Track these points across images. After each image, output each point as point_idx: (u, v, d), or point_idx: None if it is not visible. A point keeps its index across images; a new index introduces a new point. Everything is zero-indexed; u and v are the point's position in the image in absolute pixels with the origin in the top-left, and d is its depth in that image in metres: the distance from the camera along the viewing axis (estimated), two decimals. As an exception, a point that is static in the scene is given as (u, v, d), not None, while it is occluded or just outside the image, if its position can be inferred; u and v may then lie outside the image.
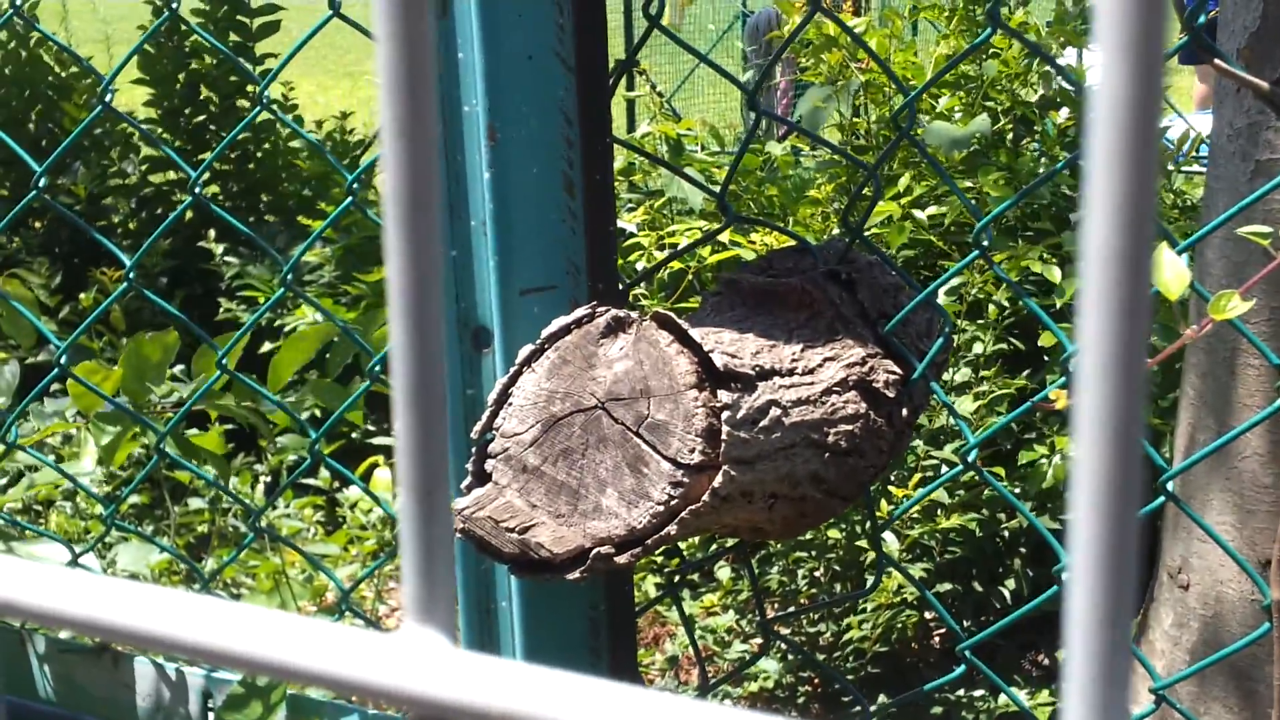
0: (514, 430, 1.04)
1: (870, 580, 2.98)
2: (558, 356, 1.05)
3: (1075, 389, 0.21)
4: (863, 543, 2.92)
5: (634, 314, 1.08)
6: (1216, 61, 1.11)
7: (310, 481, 3.30)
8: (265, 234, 4.81)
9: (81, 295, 4.07)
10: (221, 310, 4.34)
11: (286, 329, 4.15)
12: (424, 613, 0.22)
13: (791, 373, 1.09)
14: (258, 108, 1.43)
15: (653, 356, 1.03)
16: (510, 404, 1.05)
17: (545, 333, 1.07)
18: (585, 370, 1.05)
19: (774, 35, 4.41)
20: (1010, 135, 3.81)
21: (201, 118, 5.08)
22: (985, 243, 1.10)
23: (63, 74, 4.88)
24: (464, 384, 1.17)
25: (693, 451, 1.00)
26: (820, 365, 1.10)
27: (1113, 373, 0.17)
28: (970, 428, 2.62)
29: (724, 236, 3.70)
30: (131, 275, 1.43)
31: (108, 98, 1.52)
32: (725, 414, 1.01)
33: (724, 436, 1.01)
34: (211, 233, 4.44)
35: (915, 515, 2.97)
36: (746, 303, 1.16)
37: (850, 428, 1.09)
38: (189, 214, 4.89)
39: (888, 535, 2.87)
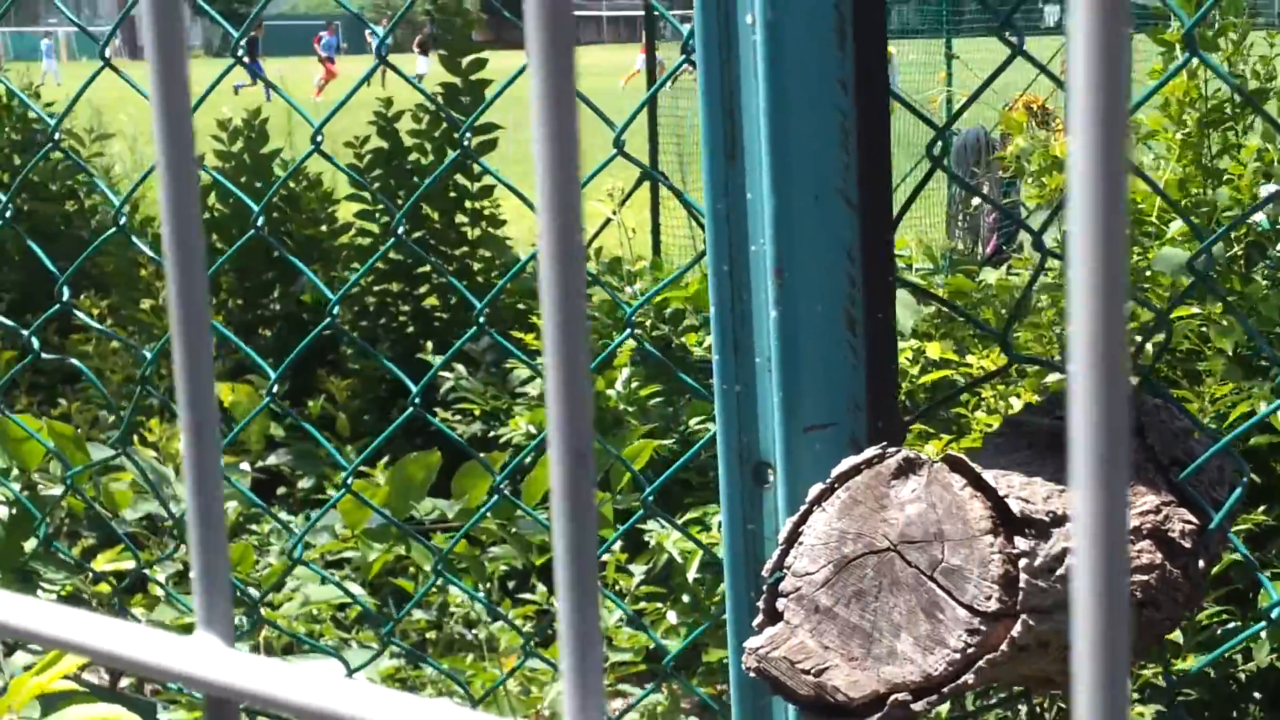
0: (805, 569, 1.04)
1: None
2: (849, 496, 1.05)
3: None
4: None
5: (924, 455, 1.07)
6: None
7: (526, 596, 3.33)
8: (480, 346, 4.92)
9: (309, 402, 4.21)
10: (439, 419, 4.45)
11: (501, 440, 4.22)
12: None
13: (1083, 519, 1.07)
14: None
15: (946, 500, 1.03)
16: (801, 543, 1.05)
17: (835, 472, 1.07)
18: (877, 511, 1.04)
19: (999, 156, 4.39)
20: (1241, 262, 3.71)
21: (420, 233, 5.24)
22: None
23: (294, 187, 5.10)
24: (744, 519, 1.18)
25: (989, 599, 0.99)
26: (1112, 512, 1.08)
27: None
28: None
29: (936, 357, 3.68)
30: (417, 401, 1.48)
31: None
32: (1023, 561, 1.00)
33: (1022, 585, 0.99)
34: (429, 344, 4.56)
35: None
36: (1032, 445, 1.15)
37: (1146, 578, 1.06)
38: (409, 326, 5.04)
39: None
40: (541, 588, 3.32)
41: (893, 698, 0.98)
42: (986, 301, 4.18)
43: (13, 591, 0.40)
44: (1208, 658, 1.23)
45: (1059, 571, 1.02)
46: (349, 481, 1.54)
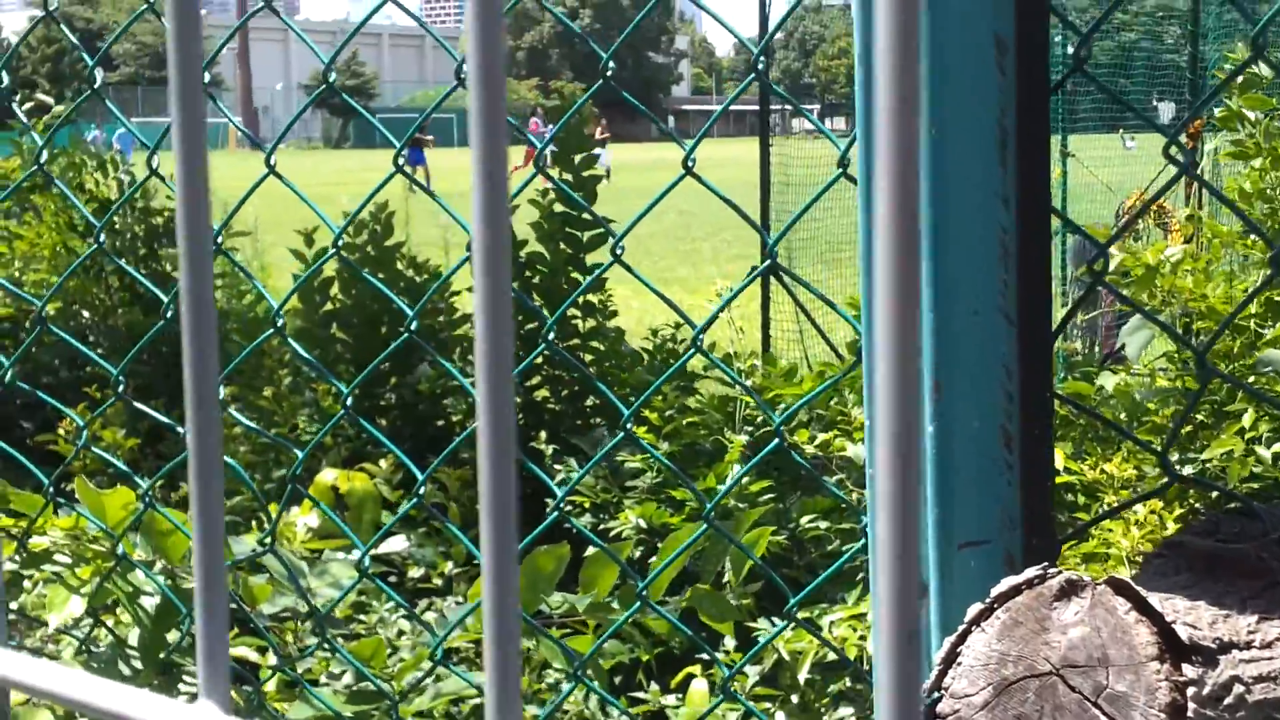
0: (964, 691, 1.03)
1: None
2: (1009, 617, 1.04)
3: None
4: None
5: (1087, 577, 1.06)
6: None
7: (638, 695, 3.31)
8: (591, 439, 4.94)
9: (423, 490, 4.24)
10: (548, 511, 4.46)
11: (611, 533, 4.22)
12: None
13: (1249, 646, 1.04)
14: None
15: (1110, 624, 1.01)
16: (959, 663, 1.04)
17: (995, 592, 1.06)
18: (1038, 634, 1.03)
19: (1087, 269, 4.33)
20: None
21: (533, 325, 5.29)
22: None
23: (416, 279, 5.18)
24: (896, 635, 1.17)
25: (1157, 728, 0.97)
26: (1278, 639, 1.06)
27: None
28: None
29: (1059, 463, 3.62)
30: (562, 506, 1.49)
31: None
32: (1191, 690, 0.98)
33: (1190, 714, 0.97)
34: (543, 434, 4.59)
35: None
36: (1193, 567, 1.12)
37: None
38: (521, 417, 5.07)
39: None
40: (654, 686, 3.30)
41: (1060, 827, 0.96)
42: (1104, 405, 4.12)
43: (155, 685, 0.41)
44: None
45: (1226, 701, 1.00)
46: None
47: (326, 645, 1.77)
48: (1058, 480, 3.43)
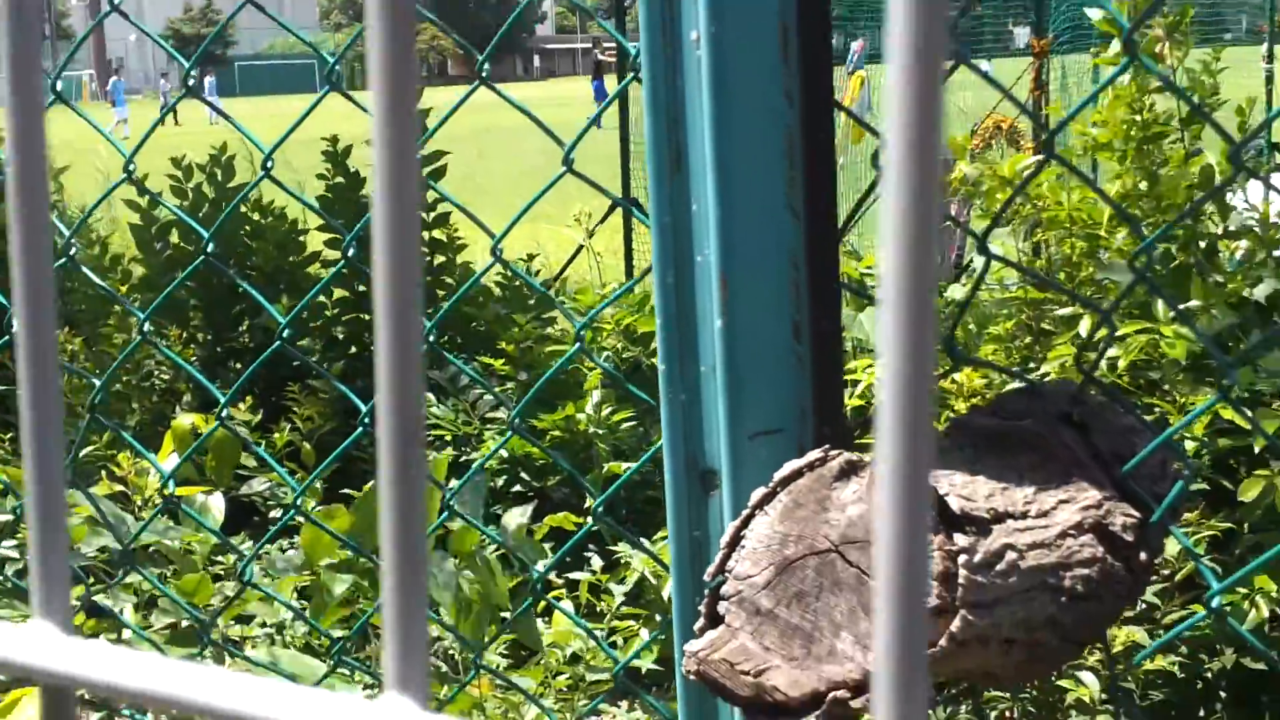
0: (746, 573, 1.06)
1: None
2: (790, 500, 1.07)
3: None
4: (1064, 682, 2.84)
5: (866, 457, 1.09)
6: None
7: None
8: (448, 371, 4.93)
9: (276, 435, 4.21)
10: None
11: (474, 464, 4.23)
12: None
13: (1025, 515, 1.09)
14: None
15: (887, 500, 1.04)
16: (743, 547, 1.07)
17: (777, 476, 1.09)
18: (819, 513, 1.06)
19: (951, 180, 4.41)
20: (1194, 269, 3.74)
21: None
22: (1226, 382, 1.10)
23: (260, 220, 5.10)
24: (691, 525, 1.19)
25: (928, 595, 1.01)
26: (1055, 508, 1.10)
27: None
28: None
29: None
30: (367, 421, 1.49)
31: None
32: (962, 557, 1.02)
33: (961, 580, 1.01)
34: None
35: (1116, 657, 2.88)
36: (976, 445, 1.16)
37: (1087, 571, 1.08)
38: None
39: (1088, 678, 2.79)
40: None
41: (831, 695, 0.99)
42: (953, 316, 4.20)
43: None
44: (1153, 646, 1.25)
45: (998, 567, 1.04)
46: (298, 503, 1.55)
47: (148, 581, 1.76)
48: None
